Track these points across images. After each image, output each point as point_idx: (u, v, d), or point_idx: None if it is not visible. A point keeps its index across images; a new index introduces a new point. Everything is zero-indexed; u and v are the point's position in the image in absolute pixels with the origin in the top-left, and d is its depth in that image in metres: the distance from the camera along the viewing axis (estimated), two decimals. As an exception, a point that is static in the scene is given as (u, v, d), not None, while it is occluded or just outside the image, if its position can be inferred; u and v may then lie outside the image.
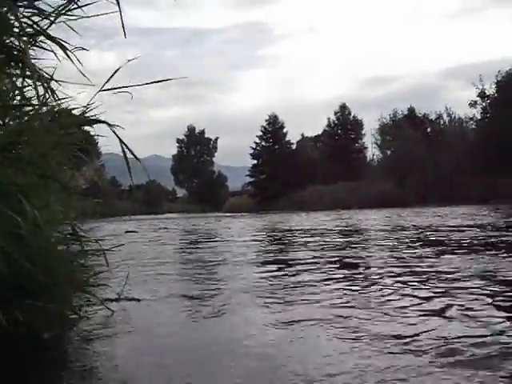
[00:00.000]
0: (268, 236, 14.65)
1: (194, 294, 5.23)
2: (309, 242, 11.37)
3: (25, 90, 3.26)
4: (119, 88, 3.13)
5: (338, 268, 6.77)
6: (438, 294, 4.53)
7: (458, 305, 4.09)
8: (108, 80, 3.06)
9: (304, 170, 64.19)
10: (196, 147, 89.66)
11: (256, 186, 69.43)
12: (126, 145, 2.92)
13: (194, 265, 8.05)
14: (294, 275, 6.25)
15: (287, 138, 70.81)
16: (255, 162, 71.02)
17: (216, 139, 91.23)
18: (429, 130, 60.22)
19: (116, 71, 3.08)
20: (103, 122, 3.03)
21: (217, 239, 14.32)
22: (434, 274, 5.75)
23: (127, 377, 2.93)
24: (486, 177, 42.48)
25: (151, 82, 3.22)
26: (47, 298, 3.57)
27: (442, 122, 61.23)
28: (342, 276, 6.00)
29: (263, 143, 70.52)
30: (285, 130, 70.62)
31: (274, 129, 70.03)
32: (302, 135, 74.89)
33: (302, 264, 7.25)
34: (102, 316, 4.16)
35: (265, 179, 67.80)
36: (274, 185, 63.03)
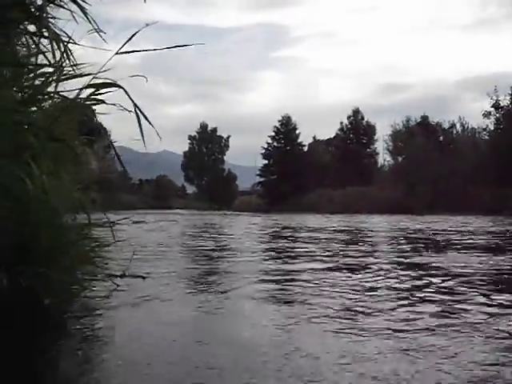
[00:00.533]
0: (268, 232, 14.74)
1: (194, 275, 5.53)
2: (302, 236, 11.91)
3: (41, 52, 3.22)
4: (137, 51, 3.08)
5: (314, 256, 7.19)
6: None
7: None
8: (125, 43, 3.01)
9: (314, 172, 64.09)
10: (208, 145, 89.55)
11: (266, 186, 69.24)
12: (138, 107, 2.87)
13: (197, 251, 8.45)
14: (283, 263, 6.68)
15: (299, 140, 70.71)
16: (266, 162, 70.91)
17: (228, 138, 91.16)
18: (441, 138, 59.91)
19: (134, 34, 3.03)
20: (117, 85, 2.97)
21: (220, 232, 14.41)
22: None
23: (124, 346, 2.91)
24: (497, 187, 42.30)
25: (172, 47, 3.18)
26: (51, 266, 3.54)
27: (454, 132, 60.98)
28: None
29: (275, 144, 70.37)
30: (297, 132, 70.49)
31: (286, 130, 69.85)
32: (314, 138, 74.72)
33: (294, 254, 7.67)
34: (105, 289, 4.13)
35: (275, 180, 67.63)
36: (284, 186, 62.83)
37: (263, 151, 70.90)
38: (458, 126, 60.70)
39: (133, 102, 2.89)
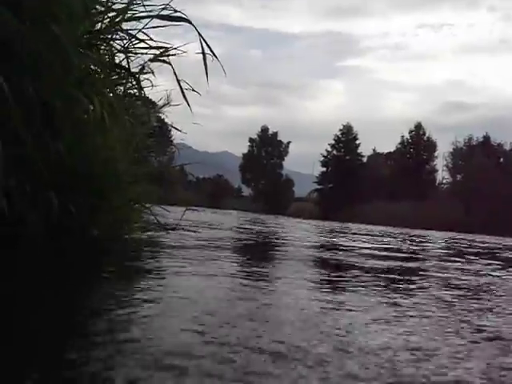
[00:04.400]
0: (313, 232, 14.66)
1: (234, 240, 6.19)
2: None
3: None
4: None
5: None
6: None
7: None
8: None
9: (371, 184, 63.53)
10: (267, 148, 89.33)
11: (322, 193, 69.04)
12: (205, 40, 2.95)
13: (242, 231, 9.11)
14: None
15: (359, 150, 70.30)
16: (324, 169, 70.73)
17: (288, 143, 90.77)
18: (502, 159, 58.78)
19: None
20: (184, 19, 3.05)
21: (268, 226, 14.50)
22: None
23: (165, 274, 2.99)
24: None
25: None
26: (102, 201, 3.64)
27: (515, 154, 59.97)
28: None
29: (334, 152, 70.15)
30: (357, 142, 70.14)
31: (347, 139, 69.56)
32: (374, 150, 74.17)
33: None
34: (153, 234, 4.24)
35: (331, 188, 67.40)
36: (340, 194, 62.58)
37: (322, 159, 70.73)
38: (519, 148, 59.74)
39: (199, 34, 2.96)
